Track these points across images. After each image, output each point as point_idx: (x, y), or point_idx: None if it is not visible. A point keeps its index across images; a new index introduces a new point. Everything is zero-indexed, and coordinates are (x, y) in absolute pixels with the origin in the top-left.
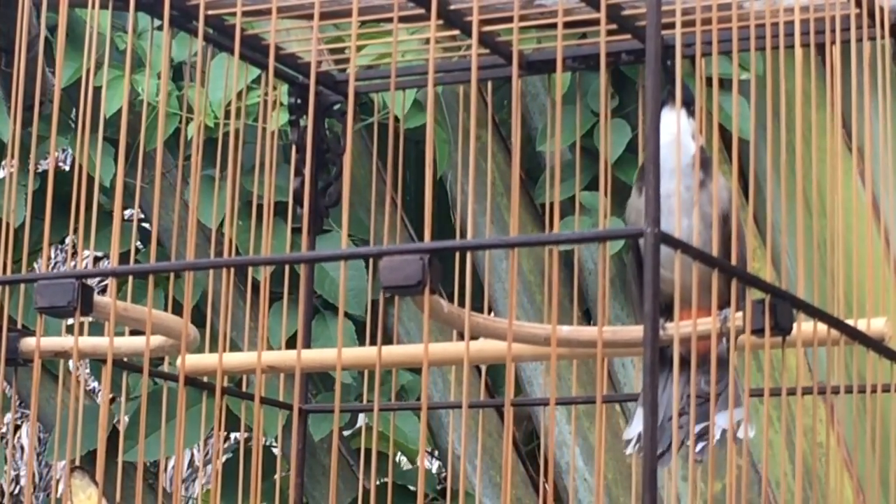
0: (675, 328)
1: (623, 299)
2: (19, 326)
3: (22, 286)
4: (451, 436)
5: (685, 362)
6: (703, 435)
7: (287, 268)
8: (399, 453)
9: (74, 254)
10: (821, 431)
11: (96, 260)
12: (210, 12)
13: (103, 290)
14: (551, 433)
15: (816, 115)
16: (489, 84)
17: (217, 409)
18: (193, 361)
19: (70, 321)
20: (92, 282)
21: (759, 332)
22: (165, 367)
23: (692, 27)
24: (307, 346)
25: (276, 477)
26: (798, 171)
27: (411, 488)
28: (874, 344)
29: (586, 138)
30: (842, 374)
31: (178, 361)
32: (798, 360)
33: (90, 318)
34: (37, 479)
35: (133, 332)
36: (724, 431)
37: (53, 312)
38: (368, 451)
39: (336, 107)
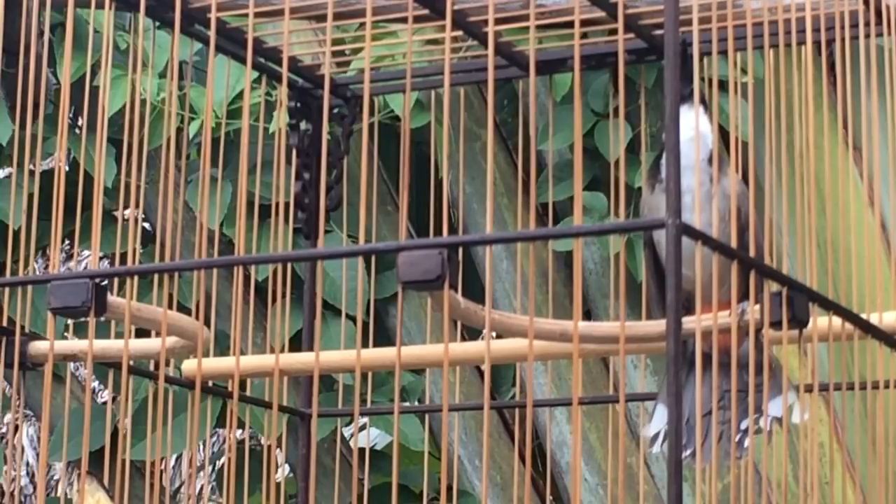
0: (697, 321)
1: (626, 297)
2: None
3: (22, 289)
4: (452, 435)
5: (709, 359)
6: (740, 431)
7: (288, 269)
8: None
9: (72, 255)
10: (821, 432)
11: (99, 260)
12: (214, 14)
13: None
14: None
15: (817, 114)
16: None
17: (230, 412)
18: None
19: (73, 324)
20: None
21: (776, 324)
22: (170, 370)
23: (702, 24)
24: (309, 348)
25: (280, 479)
26: (798, 170)
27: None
28: (887, 338)
29: (587, 138)
30: (844, 373)
31: (184, 364)
32: (812, 355)
33: (102, 319)
34: (36, 480)
35: (137, 333)
36: (772, 420)
37: (67, 313)
38: (366, 451)
39: (335, 110)
